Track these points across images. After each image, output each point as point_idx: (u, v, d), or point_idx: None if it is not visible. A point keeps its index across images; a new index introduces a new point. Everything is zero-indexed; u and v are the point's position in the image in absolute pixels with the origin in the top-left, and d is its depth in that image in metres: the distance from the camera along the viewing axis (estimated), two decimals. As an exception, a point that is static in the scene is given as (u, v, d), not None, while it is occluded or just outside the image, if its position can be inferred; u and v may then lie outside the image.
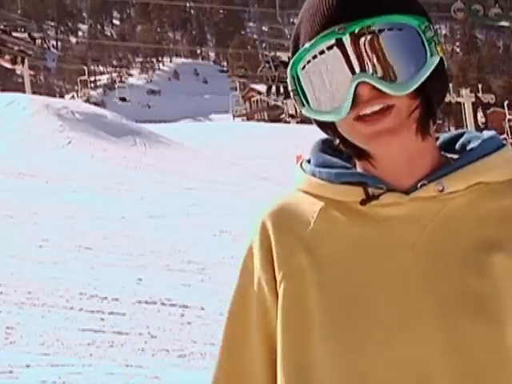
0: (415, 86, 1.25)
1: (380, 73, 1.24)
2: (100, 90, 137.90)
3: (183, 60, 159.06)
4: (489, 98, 52.82)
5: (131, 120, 33.21)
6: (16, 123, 27.27)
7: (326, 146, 1.38)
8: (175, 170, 23.41)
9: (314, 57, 1.26)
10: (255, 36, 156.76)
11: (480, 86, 56.00)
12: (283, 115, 71.79)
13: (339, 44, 1.24)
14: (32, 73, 51.35)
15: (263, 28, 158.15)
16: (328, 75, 1.26)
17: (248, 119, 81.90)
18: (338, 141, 1.33)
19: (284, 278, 1.32)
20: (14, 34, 52.00)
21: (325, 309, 1.28)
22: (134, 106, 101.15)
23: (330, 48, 1.25)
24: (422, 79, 1.25)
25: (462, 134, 1.40)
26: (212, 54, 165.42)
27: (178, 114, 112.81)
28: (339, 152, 1.36)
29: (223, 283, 9.47)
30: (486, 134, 1.37)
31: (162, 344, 8.21)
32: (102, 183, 19.42)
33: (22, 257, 11.37)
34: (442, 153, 1.36)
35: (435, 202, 1.29)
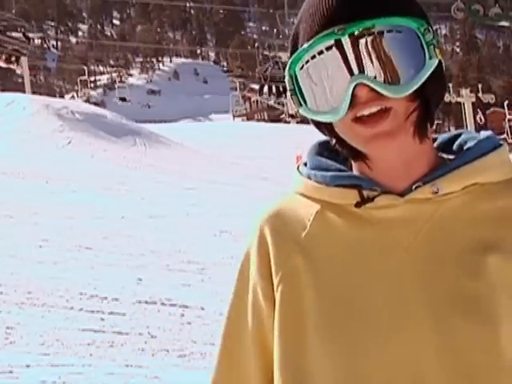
0: (413, 89, 1.25)
1: (378, 75, 1.24)
2: (100, 90, 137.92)
3: (183, 60, 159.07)
4: (489, 98, 52.82)
5: (131, 120, 33.20)
6: (16, 123, 27.27)
7: (322, 149, 1.38)
8: (175, 169, 23.41)
9: (313, 57, 1.26)
10: (255, 36, 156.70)
11: (480, 85, 55.99)
12: (283, 115, 71.74)
13: (338, 45, 1.24)
14: (29, 72, 51.60)
15: (263, 28, 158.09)
16: (326, 76, 1.26)
17: (248, 119, 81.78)
18: (334, 141, 1.33)
19: (281, 280, 1.32)
20: (9, 33, 52.45)
21: (320, 311, 1.29)
22: (134, 106, 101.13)
23: (328, 48, 1.25)
24: (421, 82, 1.25)
25: (459, 135, 1.40)
26: (212, 54, 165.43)
27: (178, 113, 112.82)
28: (336, 154, 1.36)
29: (223, 283, 9.46)
30: (483, 134, 1.36)
31: (162, 344, 8.21)
32: (102, 183, 19.42)
33: (21, 257, 11.37)
34: (439, 154, 1.36)
35: (430, 204, 1.29)
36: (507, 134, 58.24)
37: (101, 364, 7.34)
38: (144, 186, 19.65)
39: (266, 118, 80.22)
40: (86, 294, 9.71)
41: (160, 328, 8.74)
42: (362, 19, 1.23)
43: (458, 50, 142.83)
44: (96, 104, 66.84)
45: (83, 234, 13.31)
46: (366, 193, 1.30)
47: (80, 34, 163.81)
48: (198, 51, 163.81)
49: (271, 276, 1.34)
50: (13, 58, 50.71)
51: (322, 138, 1.41)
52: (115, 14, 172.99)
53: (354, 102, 1.25)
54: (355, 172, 1.34)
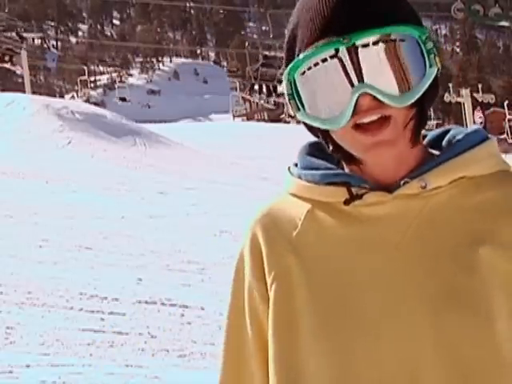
0: (415, 98, 1.26)
1: (382, 84, 1.24)
2: (100, 90, 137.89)
3: (183, 60, 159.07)
4: (489, 98, 52.80)
5: (131, 120, 33.19)
6: (16, 123, 27.26)
7: (313, 149, 1.39)
8: (175, 169, 23.41)
9: (316, 64, 1.26)
10: (255, 36, 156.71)
11: (480, 85, 55.98)
12: (283, 115, 71.77)
13: (343, 53, 1.24)
14: (29, 72, 52.11)
15: (263, 28, 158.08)
16: (329, 83, 1.26)
17: (248, 119, 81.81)
18: (329, 145, 1.33)
19: (274, 280, 1.33)
20: (5, 33, 53.23)
21: (313, 309, 1.29)
22: (134, 106, 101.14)
23: (332, 57, 1.25)
24: (422, 91, 1.26)
25: (448, 131, 1.40)
26: (212, 54, 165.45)
27: (178, 113, 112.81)
28: (326, 154, 1.36)
29: (223, 283, 9.45)
30: (471, 128, 1.37)
31: (162, 344, 8.22)
32: (102, 183, 19.42)
33: (22, 257, 11.37)
34: (429, 150, 1.36)
35: (419, 199, 1.30)
36: (507, 134, 58.23)
37: (101, 364, 7.34)
38: (144, 185, 19.65)
39: (266, 118, 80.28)
40: (85, 294, 9.71)
41: (160, 328, 8.74)
42: (366, 28, 1.23)
43: (457, 49, 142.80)
44: (96, 104, 66.83)
45: (83, 233, 13.32)
46: (354, 190, 1.30)
47: (80, 34, 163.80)
48: (198, 51, 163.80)
49: (265, 276, 1.35)
50: (6, 58, 51.51)
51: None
52: (115, 14, 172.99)
53: (355, 110, 1.25)
54: (346, 170, 1.34)
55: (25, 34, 54.93)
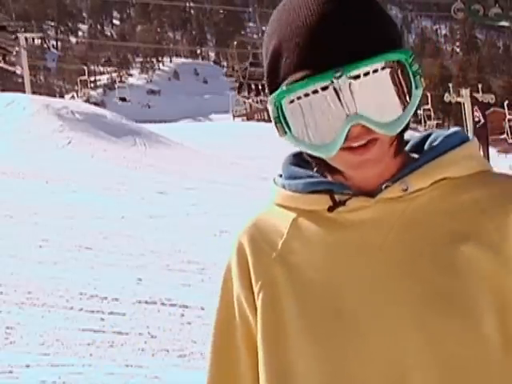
0: (405, 124, 1.27)
1: (373, 113, 1.24)
2: (100, 90, 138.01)
3: (183, 60, 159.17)
4: (489, 98, 52.80)
5: (131, 120, 33.22)
6: (16, 123, 27.26)
7: (297, 159, 1.40)
8: (175, 169, 23.42)
9: (306, 94, 1.25)
10: (255, 36, 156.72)
11: (480, 85, 56.00)
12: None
13: (335, 86, 1.23)
14: (29, 72, 52.31)
15: (263, 28, 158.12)
16: (320, 113, 1.26)
17: (248, 119, 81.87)
18: (313, 162, 1.34)
19: (261, 289, 1.35)
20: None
21: (301, 314, 1.31)
22: (134, 106, 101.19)
23: (324, 88, 1.24)
24: (411, 115, 1.27)
25: (429, 135, 1.41)
26: (212, 54, 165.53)
27: (178, 113, 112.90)
28: (310, 163, 1.37)
29: (223, 283, 9.45)
30: (450, 130, 1.38)
31: (162, 344, 8.22)
32: (102, 183, 19.42)
33: (22, 257, 11.37)
34: (411, 155, 1.37)
35: (401, 202, 1.31)
36: (507, 134, 58.30)
37: (101, 364, 7.35)
38: (144, 186, 19.65)
39: (266, 118, 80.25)
40: (85, 294, 9.71)
41: (160, 328, 8.75)
42: (358, 59, 1.23)
43: (457, 49, 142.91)
44: (96, 104, 66.89)
45: (83, 233, 13.32)
46: (337, 197, 1.32)
47: (80, 33, 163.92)
48: (198, 51, 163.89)
49: (252, 285, 1.37)
50: None
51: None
52: (115, 13, 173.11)
53: (346, 137, 1.26)
54: (329, 178, 1.35)
55: (25, 34, 54.80)
